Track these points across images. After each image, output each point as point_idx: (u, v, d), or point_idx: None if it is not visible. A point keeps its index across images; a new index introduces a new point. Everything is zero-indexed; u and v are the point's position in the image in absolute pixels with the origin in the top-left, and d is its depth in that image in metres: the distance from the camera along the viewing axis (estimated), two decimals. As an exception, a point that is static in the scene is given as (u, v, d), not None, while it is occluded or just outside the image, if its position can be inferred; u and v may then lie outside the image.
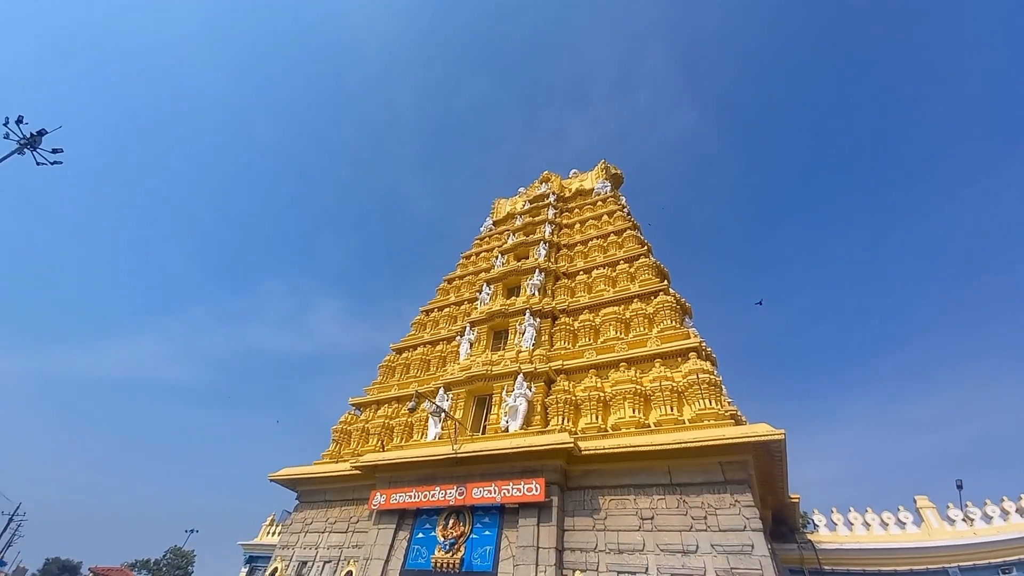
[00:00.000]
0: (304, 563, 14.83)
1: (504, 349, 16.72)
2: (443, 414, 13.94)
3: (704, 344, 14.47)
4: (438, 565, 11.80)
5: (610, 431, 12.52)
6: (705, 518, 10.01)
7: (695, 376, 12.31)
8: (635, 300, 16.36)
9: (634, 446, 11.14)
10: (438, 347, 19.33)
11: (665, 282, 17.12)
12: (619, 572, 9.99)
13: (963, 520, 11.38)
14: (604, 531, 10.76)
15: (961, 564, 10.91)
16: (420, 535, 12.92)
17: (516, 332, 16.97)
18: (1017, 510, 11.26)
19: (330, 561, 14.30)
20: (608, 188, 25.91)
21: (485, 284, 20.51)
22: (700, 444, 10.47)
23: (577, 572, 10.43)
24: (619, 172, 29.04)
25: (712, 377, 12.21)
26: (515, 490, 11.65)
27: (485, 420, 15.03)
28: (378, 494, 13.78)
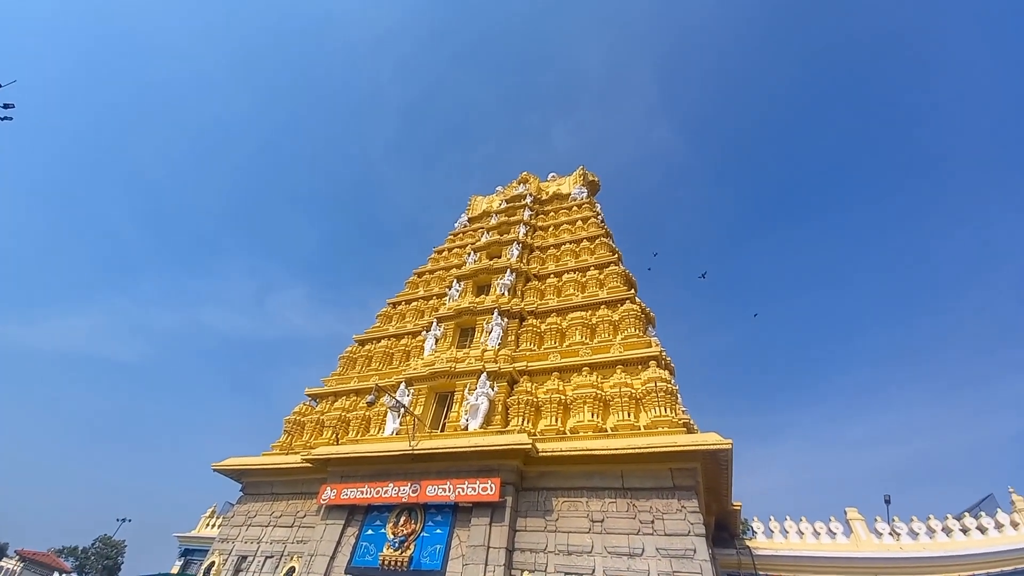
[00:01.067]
0: (244, 558, 14.24)
1: (470, 347, 16.62)
2: (402, 409, 13.72)
3: (664, 353, 14.87)
4: (386, 563, 11.59)
5: (568, 434, 12.66)
6: (652, 522, 10.27)
7: (653, 384, 12.61)
8: (602, 306, 16.62)
9: (590, 450, 11.30)
10: (403, 341, 19.01)
11: (632, 291, 17.49)
12: (567, 573, 10.10)
13: (889, 534, 12.18)
14: (555, 532, 10.86)
15: None
16: (369, 532, 12.65)
17: (483, 331, 16.91)
18: (943, 528, 12.13)
19: (272, 556, 13.79)
20: (585, 194, 26.26)
21: (455, 280, 20.34)
22: (653, 450, 10.73)
23: (526, 572, 10.47)
24: (596, 179, 29.48)
25: (669, 386, 12.55)
26: (470, 489, 11.59)
27: (445, 418, 14.89)
28: (328, 488, 13.40)
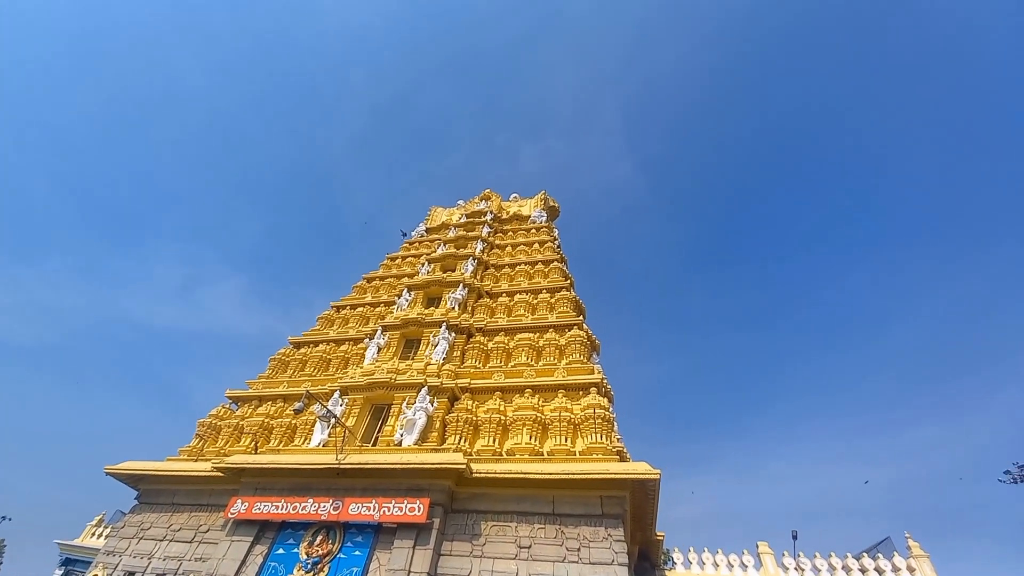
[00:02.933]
0: (131, 574, 12.65)
1: (413, 359, 16.14)
2: (333, 420, 12.96)
3: (605, 381, 15.20)
4: (294, 586, 10.70)
5: (505, 456, 12.49)
6: (579, 550, 10.23)
7: (592, 411, 12.78)
8: (550, 330, 16.80)
9: (526, 473, 11.17)
10: (343, 347, 18.14)
11: (581, 317, 17.85)
12: (488, 602, 9.78)
13: (795, 569, 12.94)
14: (481, 558, 10.53)
15: (787, 608, 12.33)
16: (280, 551, 11.67)
17: (429, 343, 16.52)
18: (843, 567, 13.01)
19: (164, 574, 12.34)
20: (544, 218, 26.81)
21: (406, 289, 19.86)
22: (586, 477, 10.78)
23: (446, 600, 10.04)
24: (556, 205, 30.26)
25: (607, 413, 12.77)
26: (396, 509, 11.05)
27: (379, 431, 14.23)
28: (239, 501, 12.28)
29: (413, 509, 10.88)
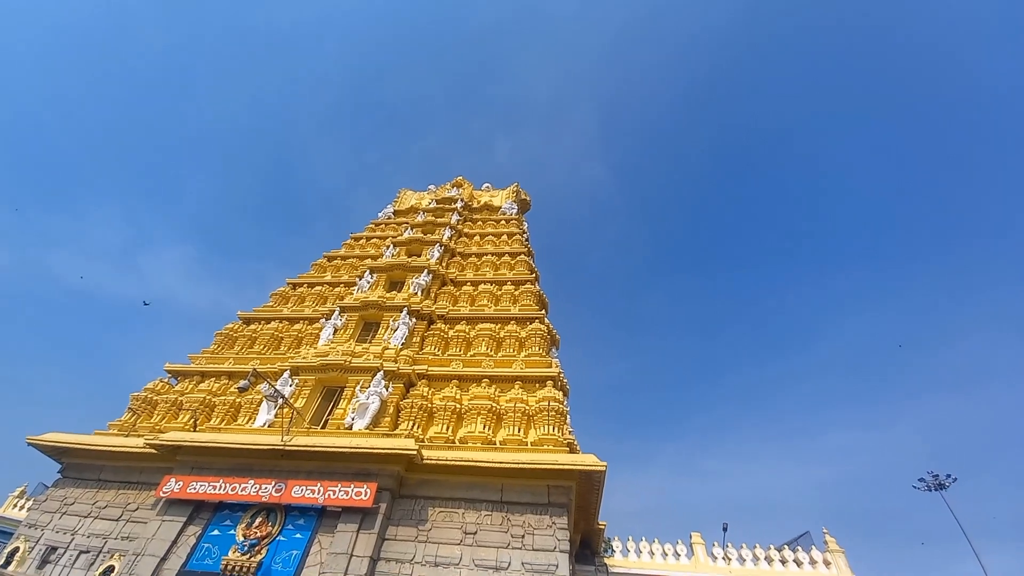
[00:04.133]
0: (53, 549, 11.87)
1: (370, 343, 15.82)
2: (281, 400, 12.53)
3: (562, 375, 15.48)
4: (229, 568, 10.32)
5: (457, 443, 12.52)
6: (523, 537, 10.46)
7: (547, 403, 13.02)
8: (512, 322, 16.91)
9: (477, 461, 11.25)
10: (297, 326, 17.52)
11: (543, 311, 18.06)
12: (429, 586, 9.85)
13: (723, 559, 13.80)
14: (426, 543, 10.56)
15: (714, 595, 13.16)
16: (215, 532, 11.23)
17: (388, 327, 16.23)
18: (766, 558, 13.96)
19: (88, 551, 11.63)
20: (515, 210, 26.81)
21: (368, 271, 19.37)
22: (536, 467, 11.00)
23: (387, 584, 10.02)
24: (528, 198, 30.33)
25: (560, 406, 13.05)
26: (342, 492, 10.87)
27: (329, 414, 13.89)
28: (173, 480, 11.69)
29: (360, 493, 10.74)
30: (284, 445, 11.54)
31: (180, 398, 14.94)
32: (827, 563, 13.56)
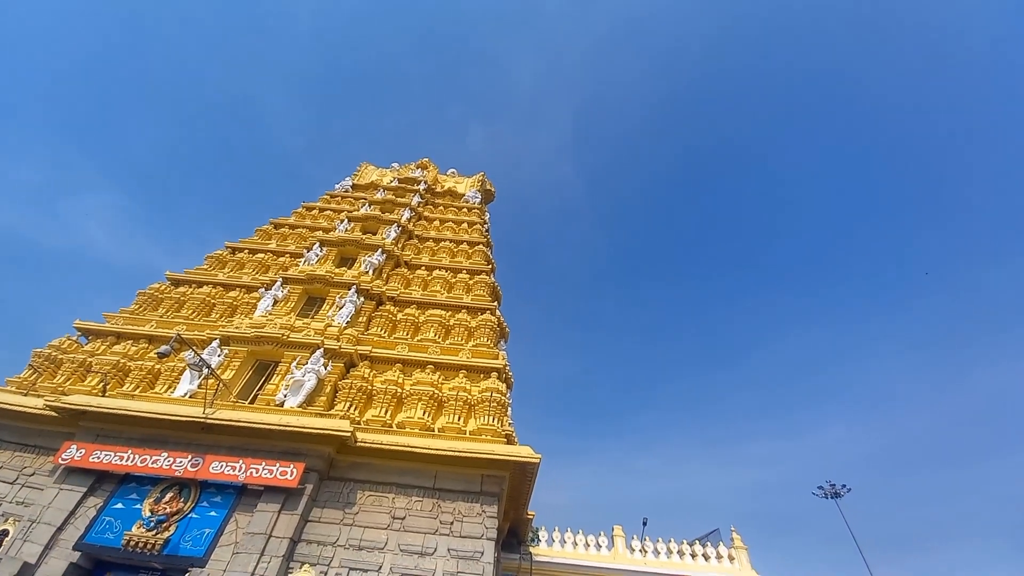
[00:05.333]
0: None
1: (313, 318, 15.17)
2: (207, 370, 11.74)
3: (508, 368, 15.64)
4: (131, 544, 9.61)
5: (395, 428, 12.33)
6: (452, 524, 10.52)
7: (490, 394, 13.11)
8: (463, 311, 16.82)
9: (413, 447, 11.14)
10: (232, 293, 16.44)
11: (496, 303, 18.11)
12: (351, 568, 9.68)
13: (639, 551, 14.65)
14: (352, 526, 10.35)
15: (629, 585, 13.97)
16: (119, 505, 10.41)
17: (333, 304, 15.62)
18: (678, 551, 14.94)
19: (-36, 520, 10.38)
20: (478, 200, 26.57)
21: (318, 244, 18.51)
22: (472, 455, 11.07)
23: (306, 566, 9.73)
24: (493, 189, 30.16)
25: (503, 398, 13.19)
26: (267, 471, 10.39)
27: (259, 389, 13.20)
28: (73, 447, 10.68)
29: (285, 473, 10.32)
30: (205, 418, 10.84)
31: (90, 359, 13.60)
32: (731, 559, 14.74)
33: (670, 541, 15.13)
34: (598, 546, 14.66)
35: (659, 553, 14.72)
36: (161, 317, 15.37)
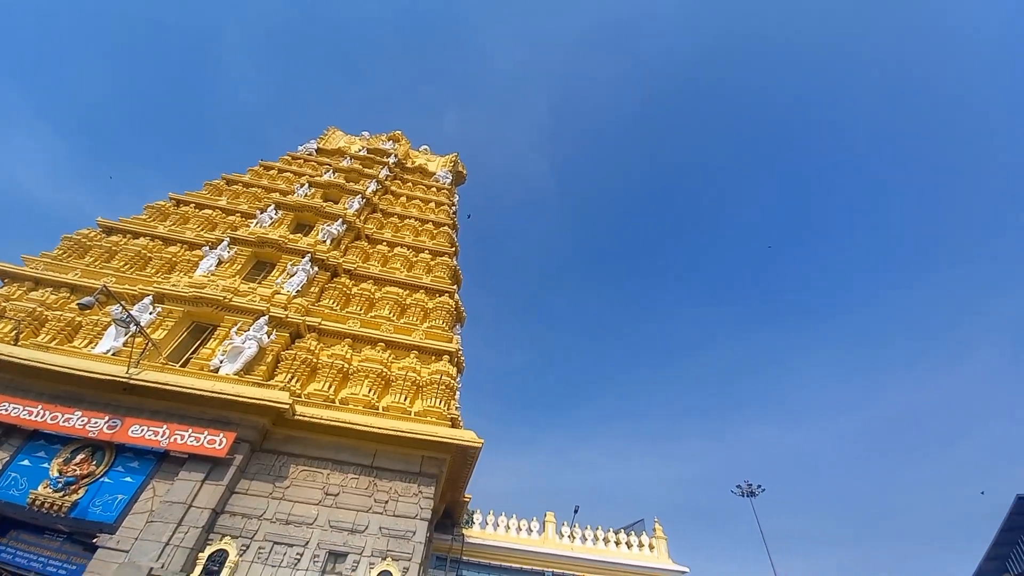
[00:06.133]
0: None
1: (260, 283, 14.47)
2: (135, 328, 10.96)
3: (460, 352, 15.65)
4: (36, 503, 8.97)
5: (338, 404, 12.06)
6: (387, 503, 10.50)
7: (439, 376, 13.08)
8: (422, 291, 16.60)
9: (354, 423, 10.96)
10: (172, 248, 15.36)
11: (455, 286, 17.98)
12: (276, 543, 9.47)
13: (568, 536, 15.26)
14: (281, 500, 10.10)
15: (555, 570, 14.53)
16: (24, 462, 9.66)
17: (284, 271, 14.96)
18: (603, 539, 15.64)
19: None
20: (449, 180, 26.09)
21: (274, 206, 17.59)
22: (414, 436, 11.04)
23: (227, 538, 9.41)
24: (464, 172, 29.71)
25: (452, 382, 13.21)
26: (192, 439, 9.92)
27: (193, 352, 12.50)
28: (-27, 398, 9.73)
29: (214, 442, 9.90)
30: (129, 378, 10.16)
31: (3, 303, 12.35)
32: (651, 547, 15.65)
33: (598, 528, 15.84)
34: (529, 531, 15.13)
35: (586, 540, 15.39)
36: (88, 266, 14.14)
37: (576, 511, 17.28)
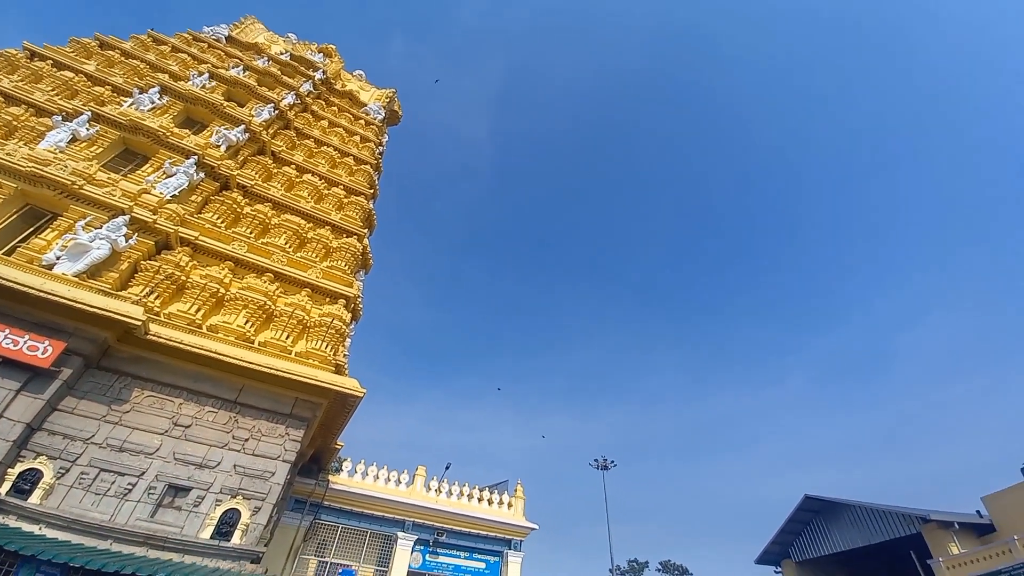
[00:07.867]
0: None
1: (126, 177, 12.23)
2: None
3: (359, 299, 14.99)
4: None
5: (205, 330, 10.88)
6: (247, 441, 9.92)
7: (331, 319, 12.43)
8: (327, 227, 15.42)
9: (220, 354, 10.03)
10: (15, 109, 12.21)
11: (367, 231, 17.01)
12: (104, 470, 8.49)
13: (435, 491, 15.93)
14: (117, 425, 9.00)
15: (416, 520, 15.11)
16: None
17: (160, 169, 12.80)
18: (468, 495, 16.58)
19: None
20: (381, 117, 24.14)
21: (160, 88, 14.79)
22: (290, 376, 10.47)
23: (42, 458, 8.22)
24: (400, 112, 27.74)
25: (343, 327, 12.65)
26: (9, 341, 8.32)
27: (24, 241, 10.29)
28: None
29: (36, 349, 8.40)
30: (-83, 256, 8.06)
31: None
32: (510, 506, 17.03)
33: (464, 485, 16.76)
34: (399, 482, 15.47)
35: (452, 494, 16.22)
36: None
37: (448, 467, 18.05)
